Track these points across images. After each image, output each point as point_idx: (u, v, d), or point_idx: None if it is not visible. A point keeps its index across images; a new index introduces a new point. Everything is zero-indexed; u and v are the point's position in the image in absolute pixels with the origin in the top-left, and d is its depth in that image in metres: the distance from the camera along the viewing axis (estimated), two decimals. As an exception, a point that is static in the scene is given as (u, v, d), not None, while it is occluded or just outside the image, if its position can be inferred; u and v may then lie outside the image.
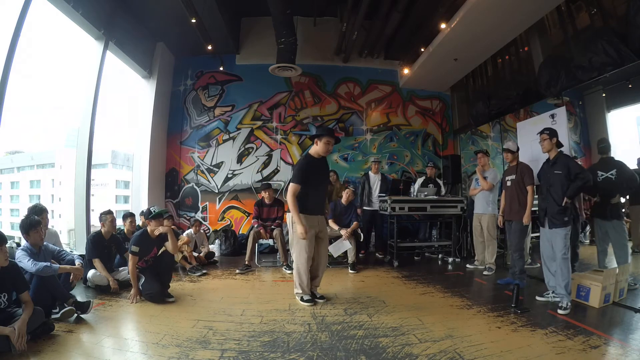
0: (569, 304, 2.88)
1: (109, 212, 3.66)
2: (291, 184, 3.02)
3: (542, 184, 3.24)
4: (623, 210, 3.64)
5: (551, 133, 3.15)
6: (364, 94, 6.81)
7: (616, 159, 3.52)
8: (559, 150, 3.17)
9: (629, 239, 3.62)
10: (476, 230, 4.53)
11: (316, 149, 3.10)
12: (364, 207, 5.36)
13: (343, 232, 4.35)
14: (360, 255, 5.17)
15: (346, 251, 4.38)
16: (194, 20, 4.86)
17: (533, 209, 3.58)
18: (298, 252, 3.08)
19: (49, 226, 3.42)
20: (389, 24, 5.39)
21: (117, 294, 3.33)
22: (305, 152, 3.23)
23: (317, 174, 3.12)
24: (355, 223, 4.58)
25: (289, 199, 2.97)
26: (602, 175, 3.47)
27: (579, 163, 3.18)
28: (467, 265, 4.61)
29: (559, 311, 2.84)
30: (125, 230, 4.03)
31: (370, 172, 5.53)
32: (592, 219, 3.74)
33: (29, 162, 29.55)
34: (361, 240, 4.83)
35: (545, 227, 3.15)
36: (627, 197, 3.67)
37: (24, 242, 2.70)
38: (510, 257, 3.83)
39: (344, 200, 4.69)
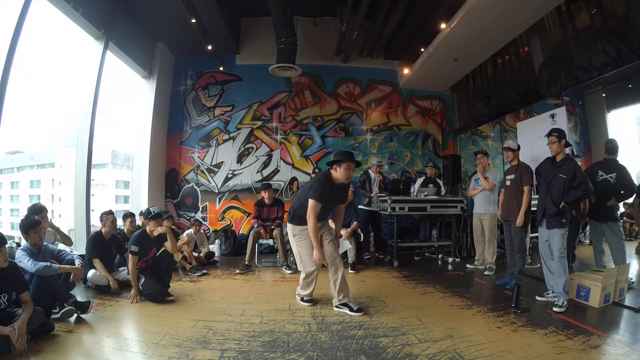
0: (565, 302, 2.89)
1: (110, 213, 3.66)
2: (311, 200, 2.76)
3: (542, 181, 3.22)
4: (621, 211, 3.63)
5: (560, 135, 3.09)
6: (364, 94, 6.81)
7: (620, 162, 3.49)
8: (567, 153, 3.15)
9: (628, 239, 3.63)
10: (477, 230, 4.52)
11: (336, 175, 2.85)
12: (364, 207, 5.31)
13: (343, 232, 4.35)
14: (365, 257, 5.15)
15: (346, 251, 4.37)
16: (194, 20, 4.86)
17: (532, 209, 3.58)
18: (305, 264, 3.01)
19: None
20: (388, 24, 5.39)
21: (117, 294, 3.33)
22: (326, 170, 2.98)
23: (333, 197, 2.94)
24: (355, 223, 4.58)
25: (311, 220, 2.74)
26: (602, 175, 3.47)
27: (584, 174, 3.11)
28: (468, 265, 4.62)
29: (555, 309, 2.85)
30: (125, 230, 4.03)
31: (369, 171, 5.49)
32: (589, 220, 3.74)
33: (29, 162, 29.58)
34: (361, 240, 4.83)
35: (542, 227, 3.15)
36: (625, 201, 3.67)
37: (23, 242, 2.70)
38: (509, 257, 3.82)
39: None
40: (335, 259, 2.98)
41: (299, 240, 3.00)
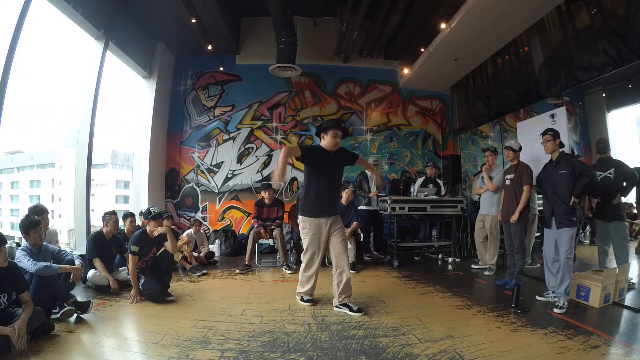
0: (566, 303, 2.89)
1: (113, 213, 3.67)
2: (296, 146, 2.84)
3: (546, 186, 3.22)
4: (634, 210, 3.61)
5: (554, 134, 3.15)
6: (364, 94, 6.81)
7: (614, 158, 3.50)
8: (561, 150, 3.16)
9: (631, 239, 3.61)
10: (477, 231, 4.51)
11: (324, 143, 2.92)
12: (364, 207, 5.32)
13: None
14: (366, 258, 5.15)
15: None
16: (194, 20, 4.86)
17: (540, 208, 3.57)
18: (308, 258, 3.01)
19: (49, 225, 3.42)
20: (388, 24, 5.39)
21: (117, 294, 3.33)
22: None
23: (328, 165, 2.92)
24: (355, 223, 4.58)
25: (283, 151, 2.72)
26: (600, 174, 3.46)
27: (582, 161, 3.16)
28: (472, 266, 4.57)
29: (555, 310, 2.85)
30: (125, 230, 4.03)
31: (366, 171, 5.47)
32: (594, 220, 3.73)
33: (29, 162, 29.54)
34: (361, 240, 4.83)
35: (551, 228, 3.13)
36: (636, 195, 3.63)
37: (23, 242, 2.70)
38: (509, 257, 3.82)
39: (343, 200, 4.68)
40: (343, 260, 2.94)
41: (307, 234, 2.98)
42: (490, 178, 4.33)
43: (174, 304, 3.10)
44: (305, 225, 2.97)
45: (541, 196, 3.56)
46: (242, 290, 3.61)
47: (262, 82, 6.45)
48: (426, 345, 2.23)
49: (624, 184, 3.42)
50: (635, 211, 4.21)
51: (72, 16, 4.22)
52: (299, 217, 3.02)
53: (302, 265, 3.07)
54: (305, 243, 3.02)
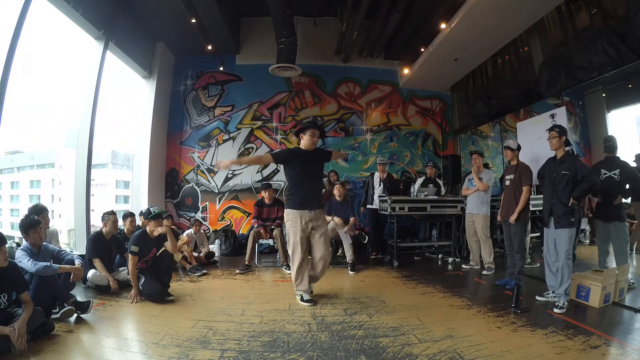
0: (566, 303, 2.89)
1: (112, 213, 3.67)
2: (268, 154, 3.16)
3: (547, 182, 3.21)
4: (627, 211, 3.61)
5: (561, 131, 3.12)
6: (364, 94, 6.81)
7: (621, 158, 3.49)
8: (566, 149, 3.15)
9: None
10: (469, 230, 4.52)
11: (302, 143, 3.14)
12: (368, 206, 5.37)
13: (337, 219, 4.40)
14: (372, 257, 5.17)
15: (344, 251, 4.41)
16: (194, 20, 4.87)
17: (537, 208, 3.56)
18: (292, 249, 3.12)
19: (49, 225, 3.42)
20: (389, 24, 5.39)
21: (117, 294, 3.33)
22: None
23: (305, 163, 3.09)
24: (352, 218, 4.57)
25: (255, 157, 3.01)
26: (605, 174, 3.45)
27: (586, 166, 3.14)
28: (463, 266, 4.60)
29: (555, 310, 2.85)
30: (125, 230, 4.03)
31: (376, 173, 5.52)
32: (594, 220, 3.72)
33: (29, 162, 29.54)
34: (365, 242, 4.84)
35: (550, 228, 3.13)
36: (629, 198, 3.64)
37: (23, 242, 2.70)
38: (509, 257, 3.82)
39: (337, 196, 4.69)
40: (321, 264, 3.16)
41: (291, 226, 3.08)
42: (480, 179, 4.36)
43: (174, 304, 3.10)
44: (289, 218, 3.11)
45: (539, 195, 3.55)
46: (242, 290, 3.61)
47: (262, 82, 6.45)
48: (426, 345, 2.23)
49: (627, 186, 3.42)
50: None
51: (72, 16, 4.22)
52: (286, 210, 3.15)
53: (292, 264, 3.15)
54: (290, 236, 3.12)
